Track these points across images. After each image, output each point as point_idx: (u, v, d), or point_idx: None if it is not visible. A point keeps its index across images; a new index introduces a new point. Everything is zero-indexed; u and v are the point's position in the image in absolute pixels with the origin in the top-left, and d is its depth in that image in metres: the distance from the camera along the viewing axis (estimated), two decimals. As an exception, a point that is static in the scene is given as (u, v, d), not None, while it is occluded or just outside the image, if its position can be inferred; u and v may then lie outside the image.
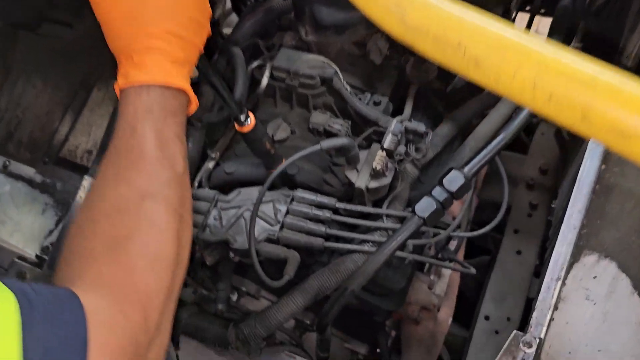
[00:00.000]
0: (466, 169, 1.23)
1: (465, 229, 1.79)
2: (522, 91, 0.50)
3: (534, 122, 2.27)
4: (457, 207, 1.78)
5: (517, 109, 1.28)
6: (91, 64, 1.86)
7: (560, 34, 1.32)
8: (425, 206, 1.23)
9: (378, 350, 1.79)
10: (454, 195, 1.23)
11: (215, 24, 2.09)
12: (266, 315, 1.37)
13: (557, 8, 1.35)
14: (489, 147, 1.24)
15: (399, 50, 1.73)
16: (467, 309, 1.96)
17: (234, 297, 1.73)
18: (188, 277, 1.68)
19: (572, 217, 1.28)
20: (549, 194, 1.99)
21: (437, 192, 1.23)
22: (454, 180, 1.22)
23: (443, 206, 1.23)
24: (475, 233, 1.46)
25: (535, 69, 0.49)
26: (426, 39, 0.57)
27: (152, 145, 0.96)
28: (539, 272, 1.92)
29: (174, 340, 1.48)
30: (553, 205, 1.82)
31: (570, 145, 1.86)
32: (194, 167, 1.63)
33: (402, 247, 1.38)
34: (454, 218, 1.51)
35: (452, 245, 1.73)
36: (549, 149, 2.06)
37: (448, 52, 0.54)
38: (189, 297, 1.78)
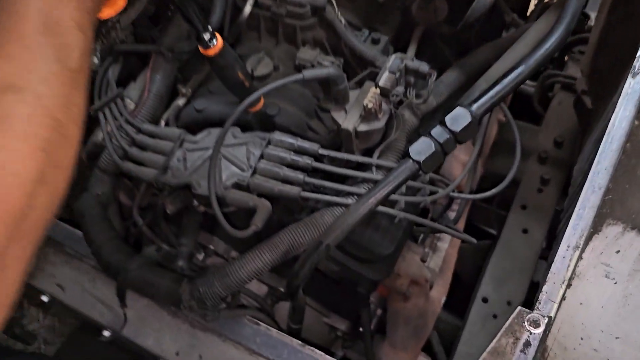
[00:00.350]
0: (474, 106, 1.01)
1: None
2: None
3: (550, 95, 2.07)
4: (458, 169, 1.57)
5: (538, 45, 1.05)
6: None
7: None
8: (421, 148, 1.02)
9: (360, 329, 1.57)
10: (457, 137, 1.01)
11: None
12: (227, 272, 1.16)
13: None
14: (504, 82, 1.02)
15: (406, -11, 1.52)
16: (463, 295, 1.75)
17: (200, 257, 1.52)
18: (150, 232, 1.48)
19: (598, 176, 1.07)
20: (563, 169, 1.77)
21: (438, 131, 1.01)
22: (458, 118, 1.01)
23: (444, 150, 1.02)
24: (480, 195, 1.25)
25: None
26: None
27: (33, 28, 0.73)
28: (547, 256, 1.71)
29: (120, 296, 1.27)
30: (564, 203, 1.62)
31: (593, 115, 1.64)
32: (162, 103, 1.44)
33: (391, 202, 1.18)
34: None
35: (452, 217, 1.53)
36: (565, 120, 1.85)
37: None
38: (153, 255, 1.57)
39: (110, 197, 1.46)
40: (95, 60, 1.48)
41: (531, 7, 1.93)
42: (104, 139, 1.37)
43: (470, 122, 1.00)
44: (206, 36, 1.11)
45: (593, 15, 1.78)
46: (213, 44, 1.13)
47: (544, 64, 1.05)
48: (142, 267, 1.24)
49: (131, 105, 1.43)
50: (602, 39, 1.45)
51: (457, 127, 1.01)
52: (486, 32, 1.51)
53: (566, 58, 2.13)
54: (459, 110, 1.01)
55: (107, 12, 0.90)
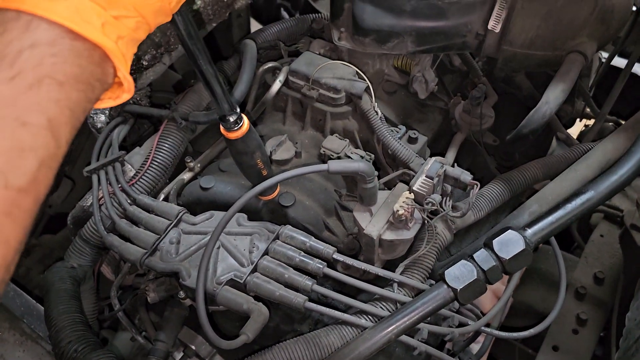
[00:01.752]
0: (529, 231, 0.85)
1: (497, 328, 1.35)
2: None
3: (592, 224, 1.89)
4: (487, 299, 1.38)
5: (612, 168, 0.90)
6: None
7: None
8: (460, 273, 0.84)
9: None
10: (505, 266, 0.84)
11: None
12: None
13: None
14: (567, 207, 0.86)
15: (449, 90, 1.42)
16: None
17: (178, 356, 1.31)
18: (126, 319, 1.29)
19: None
20: (604, 310, 1.56)
21: (482, 256, 0.84)
22: (509, 243, 0.84)
23: (487, 279, 0.84)
24: (515, 335, 1.06)
25: None
26: None
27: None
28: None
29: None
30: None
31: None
32: (165, 174, 1.30)
33: (413, 330, 0.98)
34: (482, 314, 1.12)
35: (475, 350, 1.32)
36: (608, 254, 1.66)
37: None
38: (126, 345, 1.37)
39: (88, 272, 1.28)
40: (103, 118, 1.36)
41: (577, 126, 1.81)
42: (93, 205, 1.22)
43: (523, 251, 0.84)
44: (232, 117, 0.97)
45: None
46: (237, 127, 0.98)
47: (618, 192, 0.89)
48: (103, 366, 1.04)
49: (131, 172, 1.29)
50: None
51: (507, 254, 0.84)
52: (532, 148, 1.39)
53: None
54: (510, 234, 0.84)
55: (108, 103, 0.68)
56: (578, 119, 1.72)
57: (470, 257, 0.86)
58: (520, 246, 0.84)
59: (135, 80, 1.40)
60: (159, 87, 1.54)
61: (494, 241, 0.85)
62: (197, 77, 1.26)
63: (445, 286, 0.86)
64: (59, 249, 1.68)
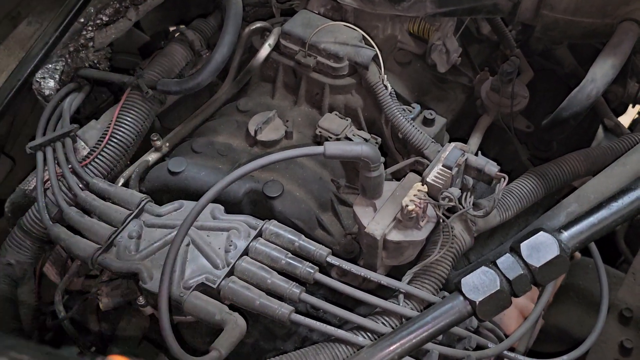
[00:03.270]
0: (566, 234, 0.86)
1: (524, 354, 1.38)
2: None
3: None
4: (512, 315, 1.40)
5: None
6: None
7: None
8: (480, 283, 0.85)
9: None
10: (535, 276, 0.85)
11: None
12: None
13: None
14: (612, 207, 0.87)
15: (474, 64, 1.45)
16: None
17: (136, 379, 1.33)
18: (72, 329, 1.31)
19: None
20: (653, 338, 1.59)
21: (507, 263, 0.85)
22: (541, 248, 0.85)
23: (513, 290, 0.85)
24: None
25: None
26: None
27: None
28: None
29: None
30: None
31: None
32: (127, 154, 1.32)
33: (422, 351, 1.00)
34: (506, 336, 1.14)
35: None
36: (661, 271, 1.68)
37: None
38: (73, 362, 1.39)
39: (28, 271, 1.30)
40: (52, 84, 1.38)
41: (630, 113, 1.83)
42: (36, 189, 1.24)
43: (557, 257, 0.85)
44: None
45: None
46: None
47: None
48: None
49: (84, 150, 1.31)
50: None
51: (538, 261, 0.85)
52: (574, 136, 1.42)
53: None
54: (542, 237, 0.85)
55: None
56: (631, 105, 1.75)
57: (493, 264, 0.87)
58: (554, 252, 0.85)
59: (92, 38, 1.41)
60: (122, 49, 1.55)
61: (521, 245, 0.86)
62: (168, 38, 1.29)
63: (462, 298, 0.87)
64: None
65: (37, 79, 1.37)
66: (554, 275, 0.87)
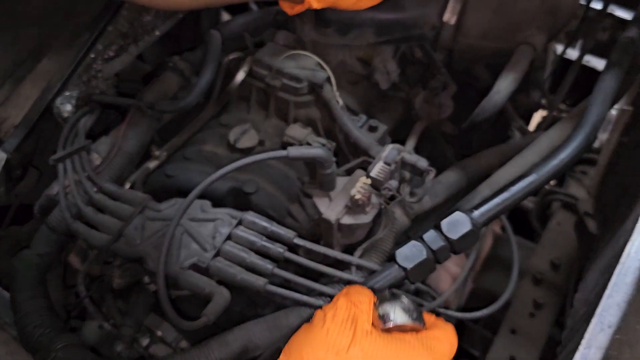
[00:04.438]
0: (476, 212, 0.89)
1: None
2: None
3: (548, 213, 1.96)
4: (446, 281, 1.42)
5: (553, 153, 0.94)
6: (46, 32, 1.57)
7: (621, 67, 1.01)
8: (411, 253, 0.88)
9: None
10: (453, 246, 0.88)
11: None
12: (164, 369, 0.98)
13: (620, 39, 1.06)
14: (512, 190, 0.90)
15: (410, 80, 1.46)
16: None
17: (144, 342, 1.33)
18: (93, 306, 1.30)
19: (608, 312, 0.92)
20: (559, 294, 1.63)
21: (431, 237, 0.88)
22: (456, 224, 0.88)
23: (436, 258, 0.88)
24: (468, 315, 1.11)
25: None
26: None
27: None
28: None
29: (37, 379, 1.07)
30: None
31: (597, 240, 1.52)
32: (131, 163, 1.32)
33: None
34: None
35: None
36: (564, 242, 1.73)
37: None
38: (94, 333, 1.38)
39: (55, 259, 1.29)
40: (69, 108, 1.38)
41: (535, 119, 1.86)
42: (59, 193, 1.23)
43: (470, 231, 0.87)
44: None
45: (601, 136, 1.71)
46: None
47: (558, 175, 0.93)
48: (68, 349, 1.05)
49: (97, 160, 1.30)
50: (613, 161, 1.36)
51: (455, 235, 0.88)
52: (490, 136, 1.43)
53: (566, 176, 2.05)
54: (458, 215, 0.88)
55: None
56: (539, 110, 1.78)
57: (420, 238, 0.89)
58: (467, 227, 0.88)
59: (101, 70, 1.41)
60: (127, 77, 1.54)
61: (442, 222, 0.88)
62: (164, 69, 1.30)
63: (397, 266, 0.89)
64: (26, 240, 1.67)
65: (57, 105, 1.37)
66: (468, 245, 0.89)
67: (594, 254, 1.41)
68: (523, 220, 1.99)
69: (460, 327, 1.73)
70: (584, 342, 0.92)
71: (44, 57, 1.55)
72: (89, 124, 1.36)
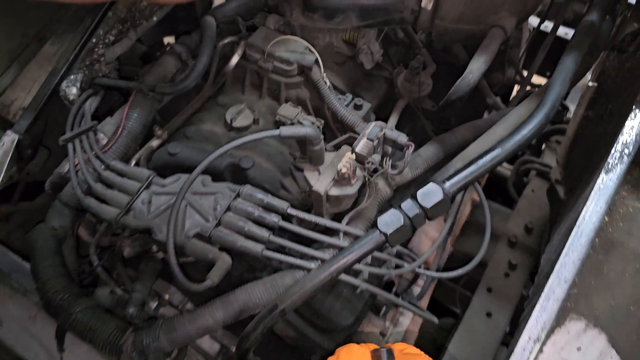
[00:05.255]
0: (447, 183, 0.99)
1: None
2: None
3: (525, 180, 2.08)
4: (427, 245, 1.54)
5: (517, 129, 1.05)
6: (50, 17, 1.63)
7: (580, 50, 1.11)
8: (390, 220, 0.98)
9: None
10: (427, 213, 0.99)
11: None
12: (174, 325, 1.10)
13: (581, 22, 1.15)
14: (479, 162, 1.01)
15: (393, 60, 1.54)
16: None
17: (153, 305, 1.44)
18: (105, 273, 1.41)
19: (565, 268, 1.04)
20: (532, 256, 1.75)
21: (408, 205, 0.98)
22: (430, 194, 0.98)
23: (412, 224, 0.99)
24: (446, 274, 1.22)
25: None
26: None
27: None
28: (508, 342, 1.67)
29: (59, 338, 1.19)
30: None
31: (564, 205, 1.64)
32: (136, 142, 1.40)
33: (355, 272, 1.13)
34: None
35: (417, 292, 1.49)
36: (538, 207, 1.85)
37: None
38: (106, 298, 1.49)
39: (68, 233, 1.38)
40: (75, 91, 1.45)
41: (514, 93, 1.96)
42: (69, 171, 1.32)
43: (442, 200, 0.98)
44: None
45: (572, 108, 1.81)
46: None
47: (521, 149, 1.04)
48: (87, 310, 1.17)
49: (104, 140, 1.39)
50: (579, 132, 1.46)
51: (428, 203, 0.98)
52: (467, 112, 1.52)
53: (544, 146, 2.16)
54: (431, 186, 0.98)
55: None
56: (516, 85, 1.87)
57: (399, 207, 1.00)
58: (439, 196, 0.98)
59: (103, 54, 1.49)
60: (127, 61, 1.62)
61: (417, 192, 0.99)
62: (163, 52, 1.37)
63: (378, 231, 1.00)
64: (36, 214, 1.76)
65: (63, 88, 1.45)
66: (440, 211, 0.99)
67: (560, 218, 1.53)
68: (502, 188, 2.11)
69: (442, 288, 1.87)
70: (543, 295, 1.04)
71: (47, 41, 1.62)
72: (94, 106, 1.44)
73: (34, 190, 1.79)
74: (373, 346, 1.06)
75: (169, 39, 2.19)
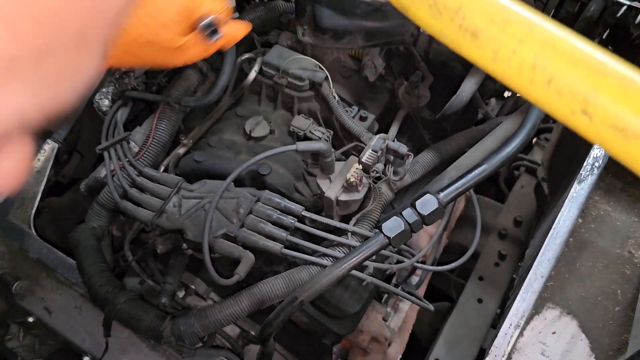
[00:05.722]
0: (442, 194, 1.16)
1: (432, 264, 1.70)
2: (520, 71, 0.44)
3: (515, 175, 2.25)
4: (424, 240, 1.71)
5: (504, 144, 1.22)
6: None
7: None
8: (392, 225, 1.16)
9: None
10: (424, 220, 1.16)
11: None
12: (207, 313, 1.27)
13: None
14: (469, 176, 1.17)
15: (394, 73, 1.70)
16: (418, 355, 1.87)
17: (181, 294, 1.62)
18: (137, 266, 1.58)
19: (541, 265, 1.22)
20: (520, 247, 1.93)
21: (408, 213, 1.15)
22: (427, 203, 1.15)
23: (412, 229, 1.16)
24: (440, 268, 1.39)
25: (537, 46, 0.42)
26: (422, 2, 0.50)
27: None
28: (497, 325, 1.85)
29: (106, 326, 1.37)
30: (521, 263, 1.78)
31: (548, 200, 1.81)
32: (164, 150, 1.55)
33: (362, 267, 1.30)
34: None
35: (415, 281, 1.66)
36: (526, 203, 2.02)
37: (445, 18, 0.48)
38: (136, 288, 1.67)
39: (105, 231, 1.54)
40: (107, 102, 1.61)
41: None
42: (106, 177, 1.48)
43: (437, 209, 1.15)
44: None
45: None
46: None
47: (505, 164, 1.21)
48: (130, 301, 1.34)
49: (135, 148, 1.54)
50: (562, 138, 1.63)
51: (425, 212, 1.15)
52: (462, 121, 1.68)
53: (534, 141, 2.33)
54: (428, 197, 1.15)
55: None
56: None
57: (400, 214, 1.17)
58: (434, 205, 1.16)
59: (132, 70, 1.64)
60: (152, 74, 1.76)
61: (416, 202, 1.16)
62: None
63: (382, 235, 1.17)
64: (65, 209, 1.92)
65: (96, 100, 1.59)
66: (435, 218, 1.16)
67: (544, 216, 1.70)
68: (495, 183, 2.28)
69: (439, 276, 2.05)
70: (522, 288, 1.22)
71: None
72: (125, 116, 1.59)
73: (56, 188, 1.94)
74: None
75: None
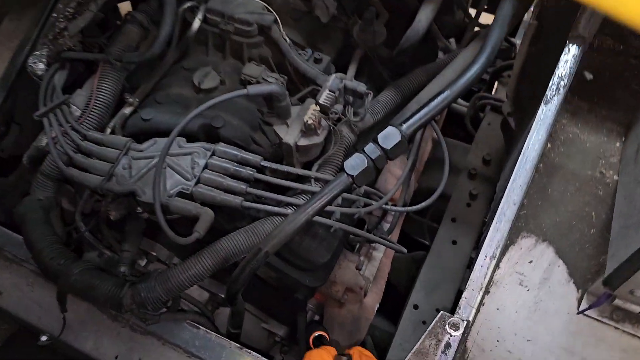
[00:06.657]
0: (404, 125, 1.11)
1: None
2: None
3: (481, 116, 2.21)
4: (393, 184, 1.67)
5: (463, 72, 1.16)
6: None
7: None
8: (355, 163, 1.10)
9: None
10: (387, 154, 1.10)
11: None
12: (168, 276, 1.21)
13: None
14: (431, 105, 1.12)
15: (347, 12, 1.62)
16: (396, 302, 1.84)
17: (142, 262, 1.55)
18: (92, 237, 1.50)
19: (513, 192, 1.18)
20: (490, 185, 1.90)
21: (370, 149, 1.10)
22: (389, 136, 1.10)
23: (375, 165, 1.10)
24: (410, 208, 1.35)
25: None
26: None
27: None
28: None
29: (61, 300, 1.29)
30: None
31: (516, 136, 1.78)
32: (109, 111, 1.46)
33: (328, 213, 1.25)
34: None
35: (386, 228, 1.62)
36: (494, 139, 1.99)
37: None
38: (94, 261, 1.59)
39: (53, 203, 1.46)
40: (42, 66, 1.50)
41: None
42: (48, 145, 1.39)
43: (400, 141, 1.10)
44: None
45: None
46: None
47: (467, 90, 1.16)
48: (84, 272, 1.27)
49: (77, 112, 1.44)
50: (524, 68, 1.59)
51: (388, 145, 1.10)
52: (421, 56, 1.62)
53: (496, 83, 2.29)
54: (390, 129, 1.10)
55: None
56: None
57: (362, 150, 1.11)
58: (397, 138, 1.10)
59: (66, 27, 1.53)
60: (88, 32, 1.65)
61: (378, 136, 1.10)
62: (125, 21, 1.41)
63: (345, 175, 1.11)
64: (12, 189, 1.81)
65: (30, 64, 1.47)
66: (399, 152, 1.11)
67: (512, 149, 1.67)
68: (461, 124, 2.24)
69: (411, 222, 2.02)
70: (496, 217, 1.18)
71: (4, 18, 1.64)
72: (63, 79, 1.49)
73: (5, 166, 1.83)
74: (333, 351, 1.20)
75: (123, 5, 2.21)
